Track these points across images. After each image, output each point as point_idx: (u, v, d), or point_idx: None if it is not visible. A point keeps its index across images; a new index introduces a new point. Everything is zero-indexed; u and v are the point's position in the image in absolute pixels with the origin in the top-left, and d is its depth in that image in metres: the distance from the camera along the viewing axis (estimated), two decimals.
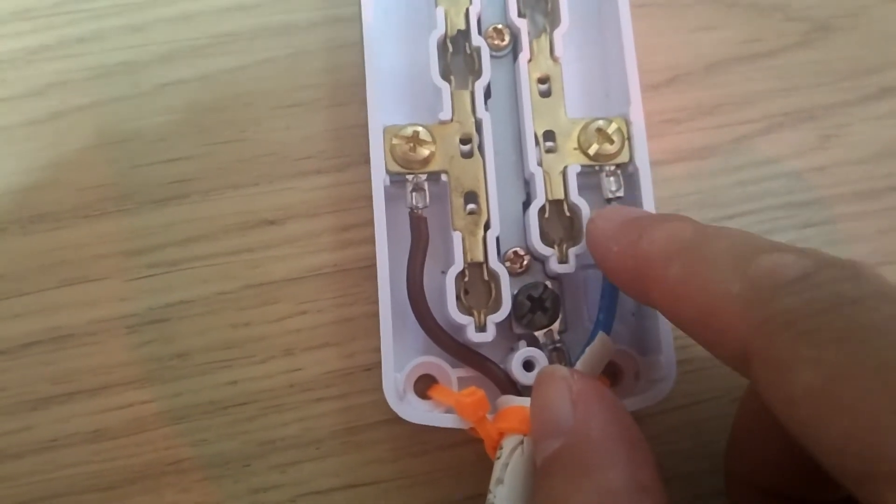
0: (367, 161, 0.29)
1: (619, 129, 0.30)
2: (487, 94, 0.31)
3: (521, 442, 0.25)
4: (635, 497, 0.21)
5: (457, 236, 0.29)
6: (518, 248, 0.30)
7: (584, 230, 0.28)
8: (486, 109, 0.30)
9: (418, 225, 0.29)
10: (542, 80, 0.31)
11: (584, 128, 0.30)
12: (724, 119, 0.34)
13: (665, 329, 0.29)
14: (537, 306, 0.29)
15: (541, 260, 0.30)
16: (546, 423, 0.24)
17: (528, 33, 0.31)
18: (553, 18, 0.32)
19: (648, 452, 0.23)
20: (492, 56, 0.31)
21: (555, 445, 0.23)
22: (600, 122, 0.30)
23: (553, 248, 0.29)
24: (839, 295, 0.19)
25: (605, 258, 0.26)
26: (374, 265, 0.29)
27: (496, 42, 0.31)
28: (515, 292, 0.29)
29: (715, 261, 0.22)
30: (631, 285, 0.25)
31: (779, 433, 0.21)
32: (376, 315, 0.28)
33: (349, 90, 0.33)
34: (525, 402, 0.26)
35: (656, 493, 0.21)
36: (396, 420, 0.28)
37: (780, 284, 0.20)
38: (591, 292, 0.31)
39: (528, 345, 0.29)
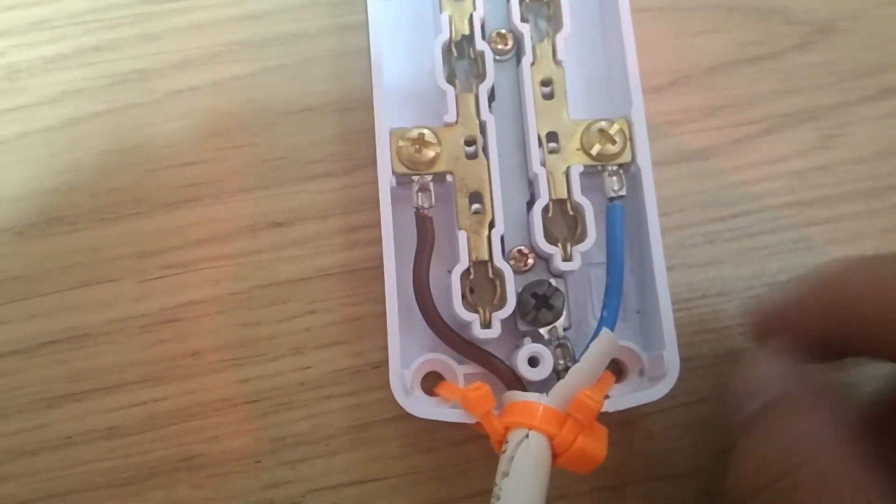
0: (375, 164, 0.30)
1: (621, 130, 0.31)
2: (491, 97, 0.32)
3: (527, 436, 0.26)
4: (843, 436, 0.23)
5: (462, 235, 0.30)
6: (522, 247, 0.30)
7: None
8: (490, 112, 0.31)
9: (424, 224, 0.29)
10: (545, 83, 0.32)
11: (587, 129, 0.31)
12: (725, 120, 0.34)
13: (668, 326, 0.29)
14: (542, 303, 0.29)
15: (545, 258, 0.30)
16: (747, 388, 0.26)
17: (531, 38, 0.32)
18: (555, 23, 0.32)
19: (843, 401, 0.25)
20: (495, 60, 0.32)
21: (756, 405, 0.25)
22: (602, 123, 0.31)
23: (557, 246, 0.30)
24: None
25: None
26: (382, 265, 0.29)
27: (500, 46, 0.32)
28: (520, 290, 0.30)
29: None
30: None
31: None
32: (384, 314, 0.29)
33: (357, 95, 0.33)
34: (531, 396, 0.27)
35: (859, 431, 0.23)
36: (405, 417, 0.28)
37: None
38: (595, 289, 0.31)
39: (533, 341, 0.30)
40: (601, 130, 0.30)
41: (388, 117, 0.30)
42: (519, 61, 0.32)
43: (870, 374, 0.31)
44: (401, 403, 0.28)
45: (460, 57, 0.32)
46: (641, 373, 0.30)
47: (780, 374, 0.25)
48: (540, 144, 0.31)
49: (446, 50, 0.32)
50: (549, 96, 0.31)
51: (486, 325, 0.29)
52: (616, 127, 0.31)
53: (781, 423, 0.24)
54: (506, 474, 0.25)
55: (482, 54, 0.31)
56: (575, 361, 0.29)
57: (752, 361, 0.26)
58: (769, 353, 0.26)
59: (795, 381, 0.25)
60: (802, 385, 0.25)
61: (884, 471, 0.22)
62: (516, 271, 0.30)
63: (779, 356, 0.26)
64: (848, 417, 0.24)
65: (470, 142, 0.31)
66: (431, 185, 0.30)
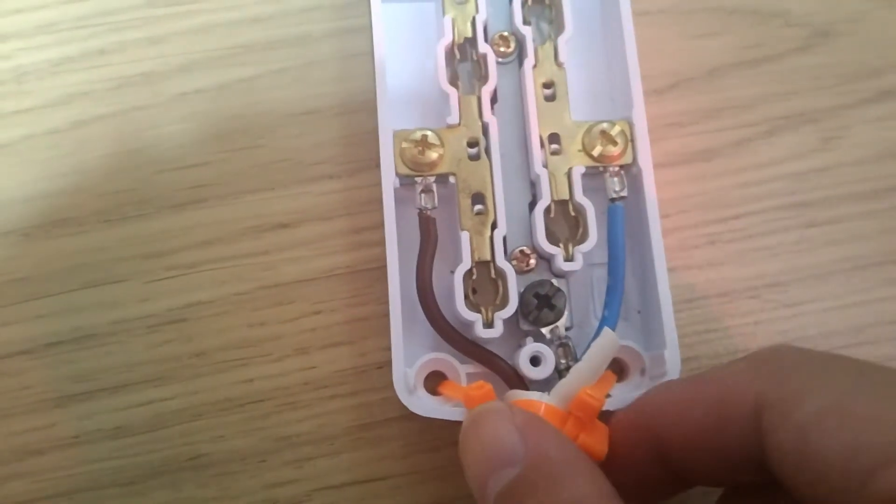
0: (378, 165, 0.30)
1: (622, 132, 0.31)
2: (494, 99, 0.32)
3: None
4: (604, 501, 0.22)
5: (465, 236, 0.30)
6: (524, 248, 0.31)
7: None
8: (493, 114, 0.31)
9: (427, 225, 0.30)
10: (547, 85, 0.32)
11: (588, 130, 0.31)
12: (726, 122, 0.34)
13: (669, 325, 0.29)
14: (544, 303, 0.30)
15: (547, 258, 0.31)
16: (495, 457, 0.24)
17: (533, 40, 0.32)
18: (557, 26, 0.32)
19: (598, 468, 0.23)
20: (498, 62, 0.32)
21: (512, 474, 0.23)
22: (604, 125, 0.31)
23: (559, 246, 0.30)
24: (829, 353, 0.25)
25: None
26: (386, 266, 0.29)
27: (502, 49, 0.32)
28: (522, 290, 0.30)
29: (707, 372, 0.26)
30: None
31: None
32: (388, 315, 0.29)
33: (360, 97, 0.33)
34: (533, 395, 0.27)
35: (617, 499, 0.22)
36: (408, 417, 0.29)
37: (778, 350, 0.24)
38: (596, 289, 0.31)
39: (535, 341, 0.30)
40: (603, 132, 0.31)
41: (392, 119, 0.31)
42: (521, 64, 0.32)
43: None
44: (404, 402, 0.28)
45: (463, 59, 0.32)
46: (643, 372, 0.30)
47: (529, 432, 0.24)
48: (542, 146, 0.31)
49: (449, 52, 0.32)
50: (550, 98, 0.32)
51: (489, 324, 0.29)
52: (617, 128, 0.31)
53: (552, 496, 0.22)
54: None
55: (484, 57, 0.32)
56: (576, 361, 0.29)
57: (491, 414, 0.25)
58: (510, 418, 0.24)
59: (551, 445, 0.24)
60: (560, 447, 0.24)
61: None
62: (518, 271, 0.30)
63: (516, 408, 0.25)
64: (608, 483, 0.23)
65: (472, 143, 0.31)
66: (434, 187, 0.30)
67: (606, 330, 0.27)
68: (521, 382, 0.29)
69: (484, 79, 0.32)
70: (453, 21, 0.32)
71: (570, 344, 0.30)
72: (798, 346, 0.24)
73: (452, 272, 0.30)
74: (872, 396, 0.21)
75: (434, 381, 0.30)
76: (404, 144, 0.30)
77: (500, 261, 0.30)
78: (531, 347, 0.29)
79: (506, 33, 0.32)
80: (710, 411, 0.24)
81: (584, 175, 0.31)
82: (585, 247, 0.30)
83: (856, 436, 0.20)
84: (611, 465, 0.25)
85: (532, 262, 0.31)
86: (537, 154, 0.31)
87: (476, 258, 0.30)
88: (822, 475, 0.20)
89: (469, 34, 0.32)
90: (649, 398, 0.26)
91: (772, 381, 0.23)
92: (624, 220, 0.30)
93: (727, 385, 0.24)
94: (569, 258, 0.30)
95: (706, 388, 0.24)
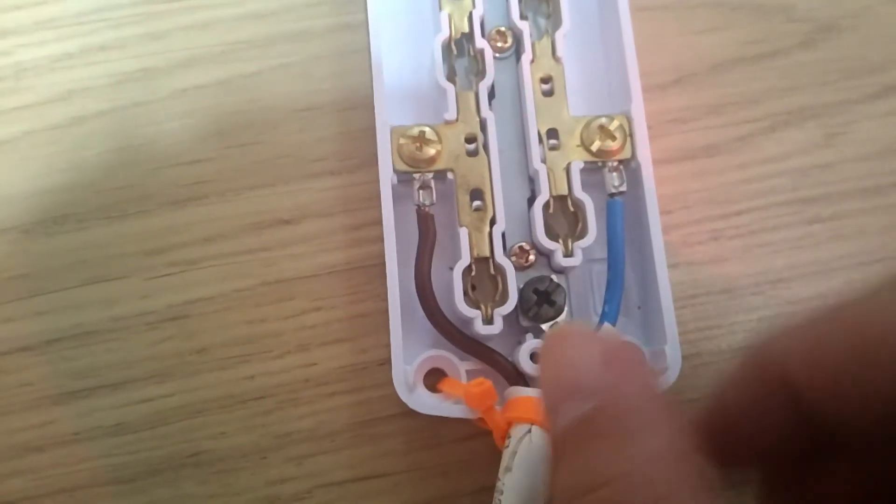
0: (377, 162, 0.30)
1: (621, 126, 0.31)
2: (491, 95, 0.32)
3: (529, 431, 0.26)
4: (677, 464, 0.19)
5: (463, 232, 0.30)
6: (523, 243, 0.31)
7: None
8: (490, 109, 0.31)
9: (425, 221, 0.30)
10: (545, 80, 0.32)
11: (587, 125, 0.31)
12: (729, 118, 0.34)
13: (670, 320, 0.29)
14: (543, 299, 0.30)
15: (546, 254, 0.31)
16: (571, 383, 0.21)
17: (530, 35, 0.32)
18: (554, 20, 0.32)
19: (684, 418, 0.21)
20: (495, 57, 0.32)
21: (584, 408, 0.20)
22: (602, 120, 0.31)
23: (558, 242, 0.30)
24: None
25: None
26: (385, 262, 0.29)
27: (499, 44, 0.32)
28: (522, 286, 0.30)
29: (839, 304, 0.22)
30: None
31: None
32: (388, 311, 0.29)
33: (359, 93, 0.33)
34: (532, 392, 0.27)
35: (693, 460, 0.20)
36: (409, 413, 0.29)
37: None
38: (596, 285, 0.31)
39: (535, 337, 0.30)
40: (601, 127, 0.31)
41: (389, 115, 0.31)
42: (518, 59, 0.32)
43: None
44: (403, 400, 0.28)
45: (460, 55, 0.32)
46: None
47: (615, 364, 0.21)
48: (540, 141, 0.31)
49: (446, 48, 0.32)
50: (548, 93, 0.32)
51: (488, 321, 0.29)
52: (616, 123, 0.31)
53: (622, 447, 0.20)
54: (508, 469, 0.26)
55: (482, 52, 0.32)
56: None
57: (576, 336, 0.22)
58: (598, 342, 0.22)
59: (634, 385, 0.21)
60: (642, 392, 0.21)
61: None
62: (517, 267, 0.30)
63: (607, 334, 0.23)
64: (689, 441, 0.20)
65: (470, 139, 0.31)
66: (432, 183, 0.30)
67: (607, 326, 0.27)
68: (522, 379, 0.29)
69: (481, 74, 0.31)
70: (450, 16, 0.32)
71: None
72: None
73: (451, 269, 0.30)
74: None
75: (434, 379, 0.30)
76: (402, 140, 0.30)
77: (500, 257, 0.30)
78: (531, 344, 0.29)
79: (503, 28, 0.32)
80: (850, 352, 0.20)
81: (582, 170, 0.31)
82: (585, 242, 0.30)
83: None
84: (740, 425, 0.23)
85: (531, 257, 0.31)
86: (535, 149, 0.31)
87: (475, 254, 0.30)
88: None
89: (466, 29, 0.32)
90: (771, 340, 0.22)
91: None
92: (623, 215, 0.30)
93: (874, 317, 0.20)
94: (568, 254, 0.30)
95: (841, 325, 0.21)
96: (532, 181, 0.31)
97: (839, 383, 0.20)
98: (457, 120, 0.31)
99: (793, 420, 0.22)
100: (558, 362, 0.22)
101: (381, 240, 0.30)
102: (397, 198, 0.30)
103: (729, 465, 0.22)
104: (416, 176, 0.30)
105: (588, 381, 0.21)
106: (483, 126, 0.31)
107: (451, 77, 0.31)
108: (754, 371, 0.22)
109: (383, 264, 0.29)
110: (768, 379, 0.22)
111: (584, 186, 0.30)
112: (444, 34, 0.32)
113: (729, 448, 0.22)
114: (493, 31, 0.32)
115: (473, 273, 0.30)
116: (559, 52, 0.32)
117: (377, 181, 0.30)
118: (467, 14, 0.32)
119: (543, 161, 0.31)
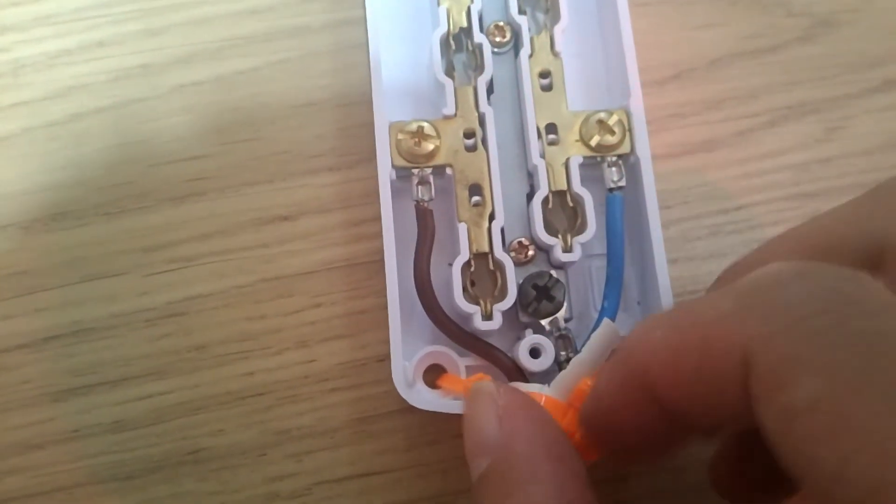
0: (376, 157, 0.30)
1: (619, 121, 0.31)
2: (490, 90, 0.32)
3: None
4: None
5: (462, 228, 0.30)
6: (523, 239, 0.31)
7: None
8: (489, 104, 0.31)
9: (424, 217, 0.30)
10: (544, 75, 0.32)
11: (586, 120, 0.31)
12: (728, 113, 0.34)
13: None
14: (542, 295, 0.30)
15: (545, 249, 0.31)
16: (475, 442, 0.23)
17: (529, 30, 0.32)
18: (553, 15, 0.32)
19: (577, 464, 0.22)
20: (493, 52, 0.32)
21: (483, 465, 0.22)
22: (601, 115, 0.31)
23: (557, 237, 0.30)
24: (840, 292, 0.17)
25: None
26: (384, 258, 0.29)
27: (498, 39, 0.32)
28: (521, 281, 0.30)
29: (698, 302, 0.21)
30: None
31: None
32: (387, 307, 0.29)
33: (358, 89, 0.33)
34: (533, 387, 0.27)
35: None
36: (409, 410, 0.29)
37: (776, 283, 0.18)
38: (595, 280, 0.31)
39: (535, 333, 0.30)
40: (600, 121, 0.31)
41: (388, 111, 0.31)
42: (517, 53, 0.32)
43: None
44: (403, 396, 0.28)
45: (458, 50, 0.32)
46: None
47: (505, 420, 0.22)
48: (539, 136, 0.31)
49: (444, 43, 0.32)
50: (547, 88, 0.32)
51: (488, 316, 0.29)
52: (615, 118, 0.31)
53: (504, 491, 0.21)
54: None
55: (480, 47, 0.31)
56: (576, 352, 0.29)
57: (479, 395, 0.24)
58: (495, 402, 0.23)
59: (522, 442, 0.22)
60: (530, 447, 0.22)
61: None
62: (517, 263, 0.30)
63: (505, 390, 0.24)
64: (580, 487, 0.21)
65: (469, 134, 0.31)
66: (431, 178, 0.30)
67: (606, 321, 0.27)
68: (521, 375, 0.29)
69: (480, 69, 0.31)
70: (448, 11, 0.32)
71: (570, 335, 0.30)
72: (798, 269, 0.19)
73: (450, 264, 0.30)
74: (882, 389, 0.16)
75: (433, 375, 0.30)
76: (400, 136, 0.30)
77: (499, 252, 0.30)
78: (530, 339, 0.29)
79: (501, 23, 0.32)
80: (698, 361, 0.19)
81: (581, 165, 0.30)
82: (584, 237, 0.30)
83: (853, 449, 0.15)
84: (609, 420, 0.23)
85: (530, 253, 0.30)
86: (534, 144, 0.31)
87: (474, 250, 0.30)
88: (805, 471, 0.16)
89: (464, 24, 0.32)
90: (635, 344, 0.22)
91: (761, 337, 0.18)
92: (623, 210, 0.30)
93: (712, 330, 0.19)
94: (567, 249, 0.30)
95: (692, 333, 0.20)
96: (531, 176, 0.31)
97: (690, 387, 0.20)
98: (455, 115, 0.31)
99: (659, 417, 0.22)
100: (469, 422, 0.23)
101: (380, 236, 0.29)
102: (396, 193, 0.30)
103: (611, 454, 0.24)
104: (415, 171, 0.30)
105: (487, 439, 0.22)
106: (482, 121, 0.31)
107: (449, 72, 0.31)
108: (622, 374, 0.22)
109: (382, 260, 0.29)
110: (634, 386, 0.22)
111: (584, 181, 0.30)
112: (443, 29, 0.32)
113: (608, 440, 0.23)
114: (492, 26, 0.32)
115: (472, 269, 0.30)
116: (558, 47, 0.32)
117: (376, 177, 0.30)
118: (465, 9, 0.32)
119: (542, 156, 0.31)
